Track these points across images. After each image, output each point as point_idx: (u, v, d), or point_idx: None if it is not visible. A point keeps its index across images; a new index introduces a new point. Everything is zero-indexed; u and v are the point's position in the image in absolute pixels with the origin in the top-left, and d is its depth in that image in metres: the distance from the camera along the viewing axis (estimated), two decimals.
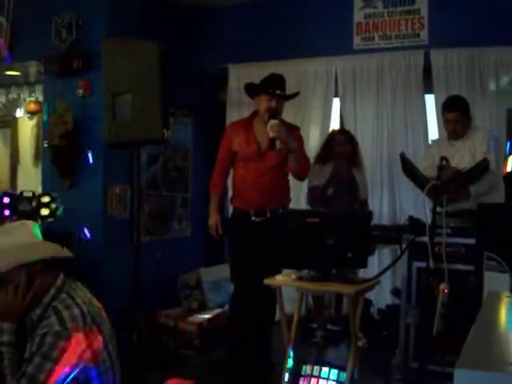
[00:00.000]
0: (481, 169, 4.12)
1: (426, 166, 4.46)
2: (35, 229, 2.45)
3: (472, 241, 3.88)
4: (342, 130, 5.63)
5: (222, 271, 5.38)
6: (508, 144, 3.57)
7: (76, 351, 2.18)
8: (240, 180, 4.63)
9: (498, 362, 1.25)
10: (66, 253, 2.45)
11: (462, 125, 4.46)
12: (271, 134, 4.25)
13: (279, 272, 3.88)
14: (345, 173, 5.36)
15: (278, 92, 4.45)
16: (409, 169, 4.35)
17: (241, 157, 4.60)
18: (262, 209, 4.49)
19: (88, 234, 5.26)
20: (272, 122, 4.26)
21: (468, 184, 4.20)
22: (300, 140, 4.67)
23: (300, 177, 4.77)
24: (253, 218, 4.50)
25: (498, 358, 1.29)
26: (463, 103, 4.52)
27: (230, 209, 4.98)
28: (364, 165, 5.50)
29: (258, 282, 3.92)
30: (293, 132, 4.60)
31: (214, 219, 4.66)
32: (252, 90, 4.61)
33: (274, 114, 4.35)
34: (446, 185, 3.87)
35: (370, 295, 5.19)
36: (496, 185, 4.26)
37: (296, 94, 4.69)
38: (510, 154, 3.45)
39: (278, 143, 4.29)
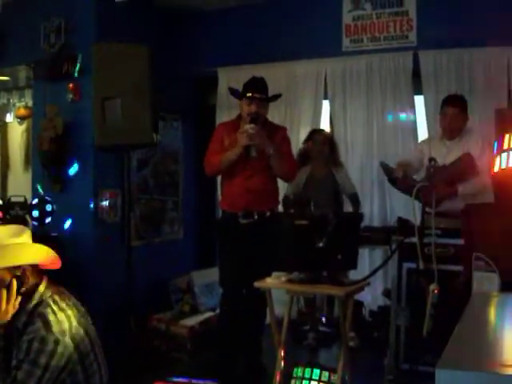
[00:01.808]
0: (465, 161, 4.15)
1: (414, 156, 4.53)
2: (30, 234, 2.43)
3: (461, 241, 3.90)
4: (320, 130, 5.64)
5: (214, 275, 5.36)
6: (495, 144, 3.57)
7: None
8: (228, 182, 4.59)
9: (479, 362, 1.26)
10: (54, 262, 2.43)
11: (459, 122, 4.47)
12: (245, 141, 4.24)
13: (269, 274, 3.87)
14: (323, 173, 5.36)
15: (257, 96, 4.38)
16: (393, 176, 4.38)
17: None
18: (250, 211, 4.43)
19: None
20: (246, 127, 4.24)
21: (454, 179, 4.22)
22: (285, 141, 4.61)
23: (285, 179, 4.76)
24: (240, 221, 4.44)
25: (480, 358, 1.29)
26: (464, 102, 4.55)
27: (220, 212, 4.96)
28: (343, 163, 5.55)
29: (247, 284, 3.91)
30: (279, 133, 4.57)
31: (240, 131, 4.34)
32: (234, 94, 4.58)
33: (255, 118, 4.31)
34: (430, 178, 3.89)
35: (363, 297, 5.20)
36: (485, 189, 4.27)
37: (277, 96, 4.58)
38: (497, 155, 3.46)
39: (252, 150, 4.28)
